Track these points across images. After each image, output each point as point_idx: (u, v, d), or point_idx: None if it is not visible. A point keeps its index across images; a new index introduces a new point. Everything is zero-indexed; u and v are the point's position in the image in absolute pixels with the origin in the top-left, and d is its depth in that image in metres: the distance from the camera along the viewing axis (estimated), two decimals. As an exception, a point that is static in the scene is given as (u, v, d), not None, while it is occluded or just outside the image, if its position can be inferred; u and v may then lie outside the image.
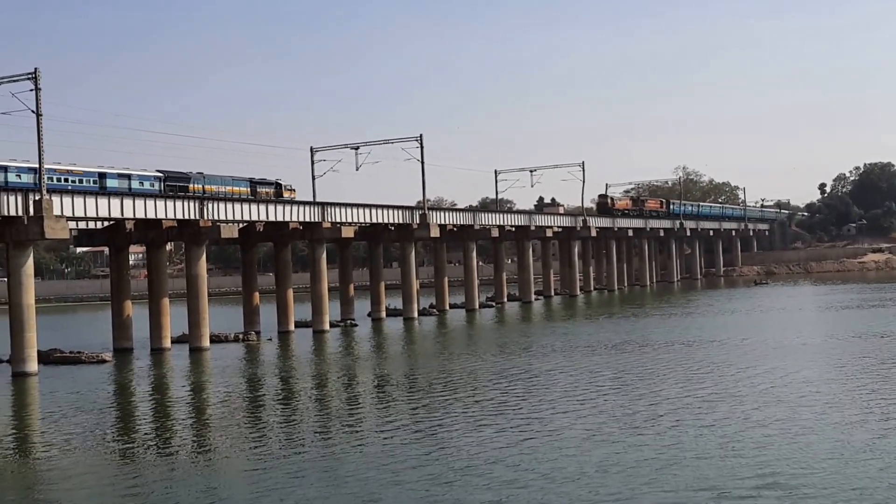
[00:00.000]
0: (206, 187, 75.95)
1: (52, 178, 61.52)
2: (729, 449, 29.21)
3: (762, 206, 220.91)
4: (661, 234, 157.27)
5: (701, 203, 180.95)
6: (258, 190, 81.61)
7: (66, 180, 63.35)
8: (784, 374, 44.90)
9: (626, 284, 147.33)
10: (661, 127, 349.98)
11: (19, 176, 59.76)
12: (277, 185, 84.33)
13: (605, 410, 36.92)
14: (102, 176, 66.15)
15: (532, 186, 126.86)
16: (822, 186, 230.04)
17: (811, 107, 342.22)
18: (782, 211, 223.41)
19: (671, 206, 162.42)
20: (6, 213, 57.26)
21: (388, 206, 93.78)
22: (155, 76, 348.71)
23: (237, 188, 79.42)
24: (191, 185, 74.49)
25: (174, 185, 72.86)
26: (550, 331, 76.81)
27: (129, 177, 68.33)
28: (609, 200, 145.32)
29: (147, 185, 69.82)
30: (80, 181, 64.57)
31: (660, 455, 28.68)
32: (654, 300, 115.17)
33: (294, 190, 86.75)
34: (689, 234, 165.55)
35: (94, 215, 65.86)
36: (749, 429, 32.13)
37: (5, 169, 59.04)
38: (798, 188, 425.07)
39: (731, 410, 35.62)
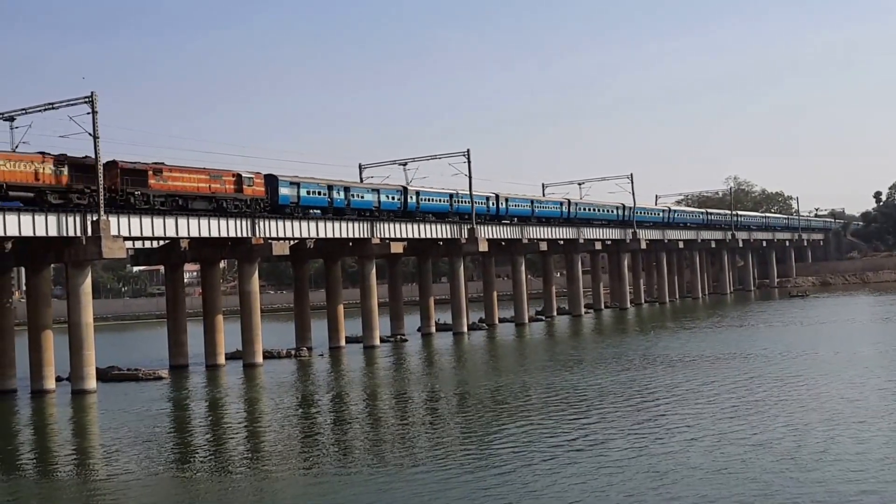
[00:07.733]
0: None
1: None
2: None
3: (815, 214, 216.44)
4: (713, 245, 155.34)
5: (740, 212, 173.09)
6: None
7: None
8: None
9: (677, 297, 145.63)
10: (713, 145, 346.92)
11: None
12: None
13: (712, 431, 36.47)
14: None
15: (581, 199, 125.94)
16: (877, 195, 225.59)
17: (864, 118, 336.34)
18: (837, 220, 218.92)
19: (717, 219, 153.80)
20: (65, 234, 58.52)
21: (436, 221, 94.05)
22: (199, 95, 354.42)
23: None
24: None
25: None
26: (614, 343, 76.38)
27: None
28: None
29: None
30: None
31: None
32: (710, 312, 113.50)
33: None
34: (741, 244, 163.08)
35: (150, 234, 67.02)
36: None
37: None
38: (853, 197, 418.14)
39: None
